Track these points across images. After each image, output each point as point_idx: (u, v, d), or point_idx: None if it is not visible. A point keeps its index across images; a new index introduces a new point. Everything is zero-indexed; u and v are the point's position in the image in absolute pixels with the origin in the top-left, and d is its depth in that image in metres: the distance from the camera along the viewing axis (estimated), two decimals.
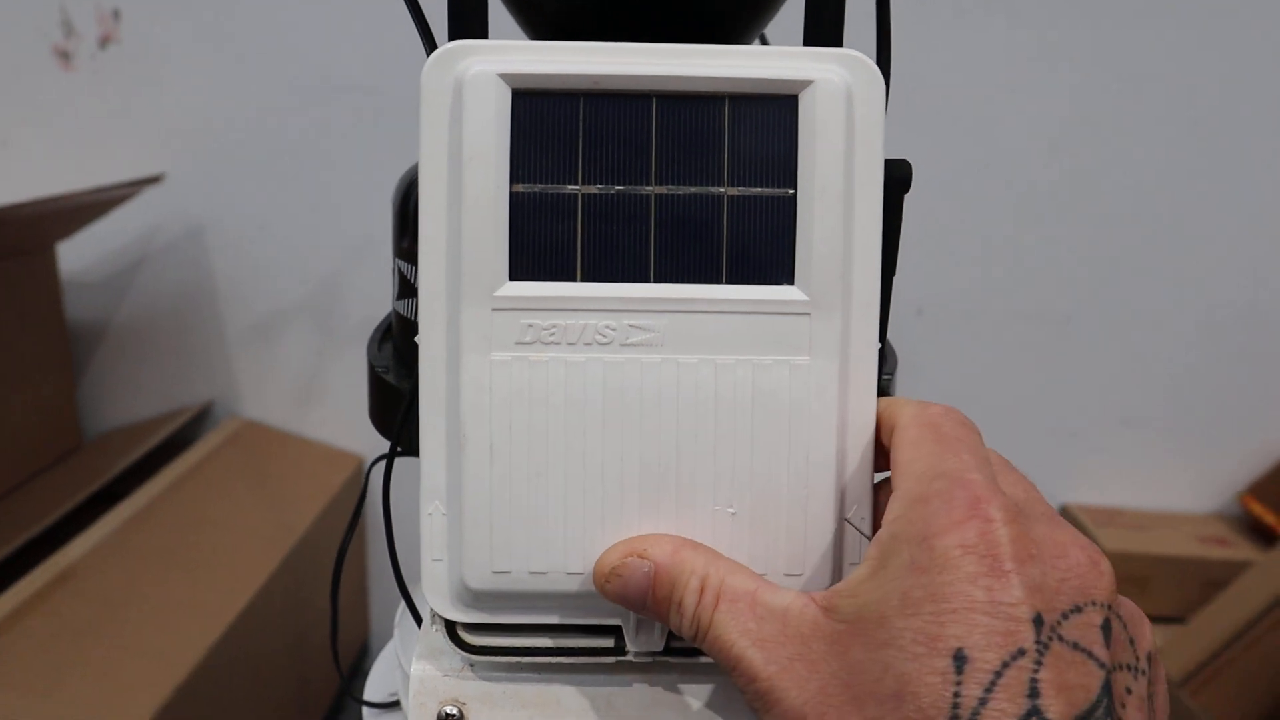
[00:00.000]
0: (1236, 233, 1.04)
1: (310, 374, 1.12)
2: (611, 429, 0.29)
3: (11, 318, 0.95)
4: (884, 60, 0.31)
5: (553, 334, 0.28)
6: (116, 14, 1.04)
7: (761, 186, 0.28)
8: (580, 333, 0.28)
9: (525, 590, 0.29)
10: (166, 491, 0.93)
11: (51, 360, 1.02)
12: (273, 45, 1.03)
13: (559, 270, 0.28)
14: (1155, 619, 1.01)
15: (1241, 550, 1.03)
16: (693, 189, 0.28)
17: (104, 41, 1.05)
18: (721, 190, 0.28)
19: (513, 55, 0.28)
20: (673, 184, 0.28)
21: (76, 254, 1.08)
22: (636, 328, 0.28)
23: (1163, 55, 0.99)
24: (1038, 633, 0.22)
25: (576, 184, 0.28)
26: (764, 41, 0.45)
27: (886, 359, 0.37)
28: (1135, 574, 1.01)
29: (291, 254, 1.09)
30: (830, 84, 0.28)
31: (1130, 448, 1.11)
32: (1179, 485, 1.12)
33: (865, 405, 0.29)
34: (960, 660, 0.22)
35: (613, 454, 0.29)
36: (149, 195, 1.03)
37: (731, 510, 0.29)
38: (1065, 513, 1.11)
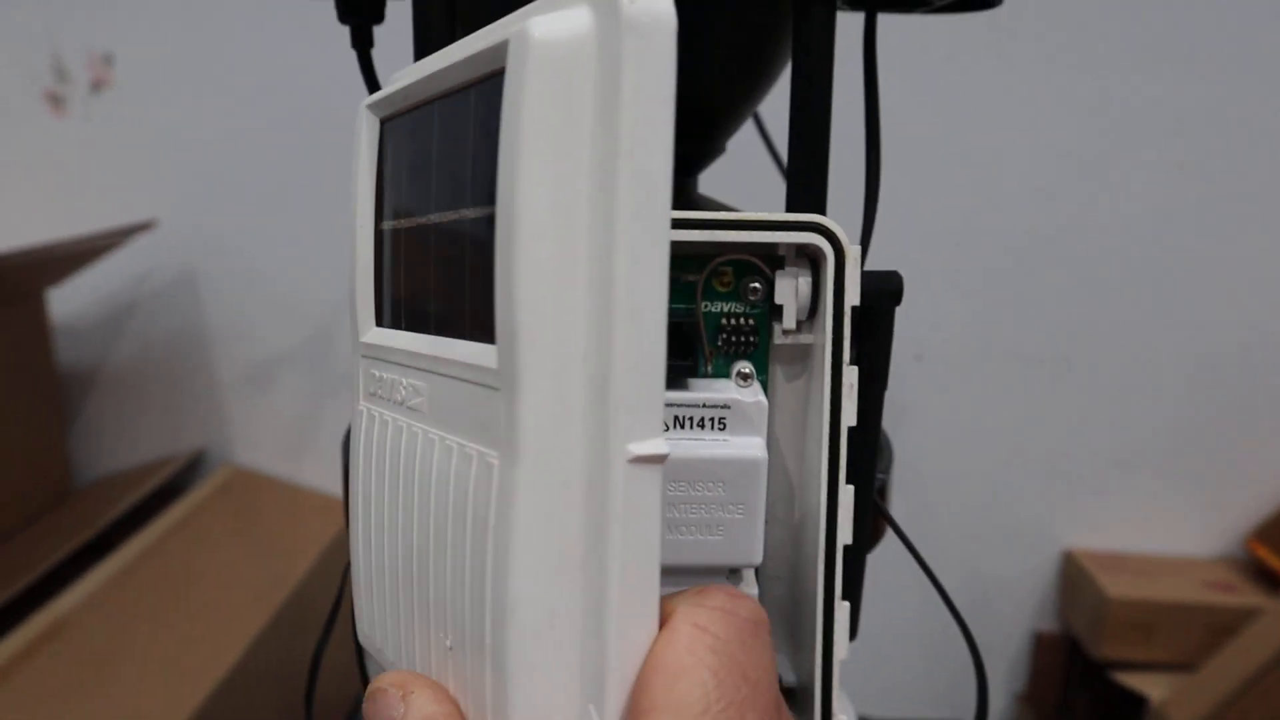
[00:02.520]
0: (1232, 274, 1.03)
1: (303, 420, 1.11)
2: (387, 506, 0.24)
3: (1, 365, 0.93)
4: (871, 99, 0.29)
5: (379, 387, 0.26)
6: (109, 58, 1.03)
7: (474, 206, 0.21)
8: (390, 388, 0.25)
9: (386, 660, 0.26)
10: (157, 543, 0.91)
11: (42, 407, 1.01)
12: (266, 91, 1.02)
13: (395, 315, 0.26)
14: (1162, 666, 0.99)
15: (1249, 596, 1.01)
16: (450, 214, 0.23)
17: (96, 86, 1.04)
18: (464, 213, 0.22)
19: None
20: (442, 209, 0.23)
21: (67, 300, 1.07)
22: (413, 388, 0.24)
23: (1157, 100, 0.98)
24: None
25: (430, 214, 0.24)
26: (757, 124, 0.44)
27: (882, 453, 0.36)
28: (1141, 621, 1.00)
29: (284, 299, 1.08)
30: (531, 40, 0.18)
31: (1132, 490, 1.09)
32: (1183, 529, 1.10)
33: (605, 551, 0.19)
34: None
35: (387, 537, 0.25)
36: (140, 240, 1.02)
37: (448, 642, 0.22)
38: (1068, 558, 1.10)
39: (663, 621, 0.20)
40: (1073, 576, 1.08)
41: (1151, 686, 0.96)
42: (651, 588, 0.19)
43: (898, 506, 1.10)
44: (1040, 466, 1.09)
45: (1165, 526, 1.10)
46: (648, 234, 0.18)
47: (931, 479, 1.07)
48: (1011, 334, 1.05)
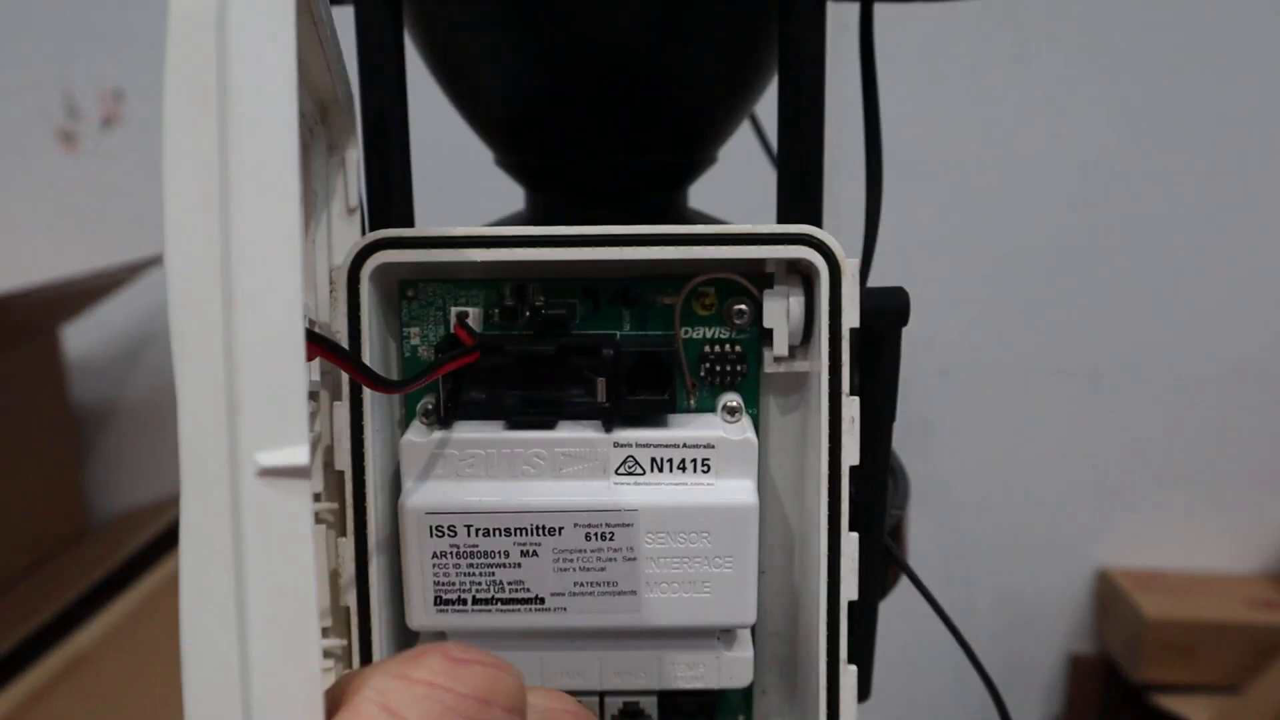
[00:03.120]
0: (1269, 281, 1.00)
1: None
2: None
3: (16, 402, 0.93)
4: (870, 97, 0.28)
5: None
6: (119, 94, 1.04)
7: None
8: None
9: None
10: (173, 578, 0.91)
11: (58, 444, 1.00)
12: None
13: None
14: (1204, 688, 0.96)
15: None
16: None
17: (107, 122, 1.04)
18: None
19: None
20: None
21: (82, 335, 1.07)
22: None
23: (1185, 102, 0.96)
24: None
25: None
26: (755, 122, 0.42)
27: (897, 486, 0.33)
28: (1180, 642, 0.96)
29: None
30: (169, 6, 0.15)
31: (1168, 506, 1.06)
32: (1221, 544, 1.07)
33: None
34: None
35: None
36: (153, 274, 1.02)
37: None
38: (1103, 577, 1.06)
39: (350, 695, 0.15)
40: (1108, 596, 1.04)
41: (1193, 710, 0.93)
42: (305, 642, 0.15)
43: (926, 527, 1.07)
44: (1072, 482, 1.06)
45: (1203, 542, 1.07)
46: (264, 195, 0.15)
47: (960, 498, 1.05)
48: (1040, 346, 1.02)
